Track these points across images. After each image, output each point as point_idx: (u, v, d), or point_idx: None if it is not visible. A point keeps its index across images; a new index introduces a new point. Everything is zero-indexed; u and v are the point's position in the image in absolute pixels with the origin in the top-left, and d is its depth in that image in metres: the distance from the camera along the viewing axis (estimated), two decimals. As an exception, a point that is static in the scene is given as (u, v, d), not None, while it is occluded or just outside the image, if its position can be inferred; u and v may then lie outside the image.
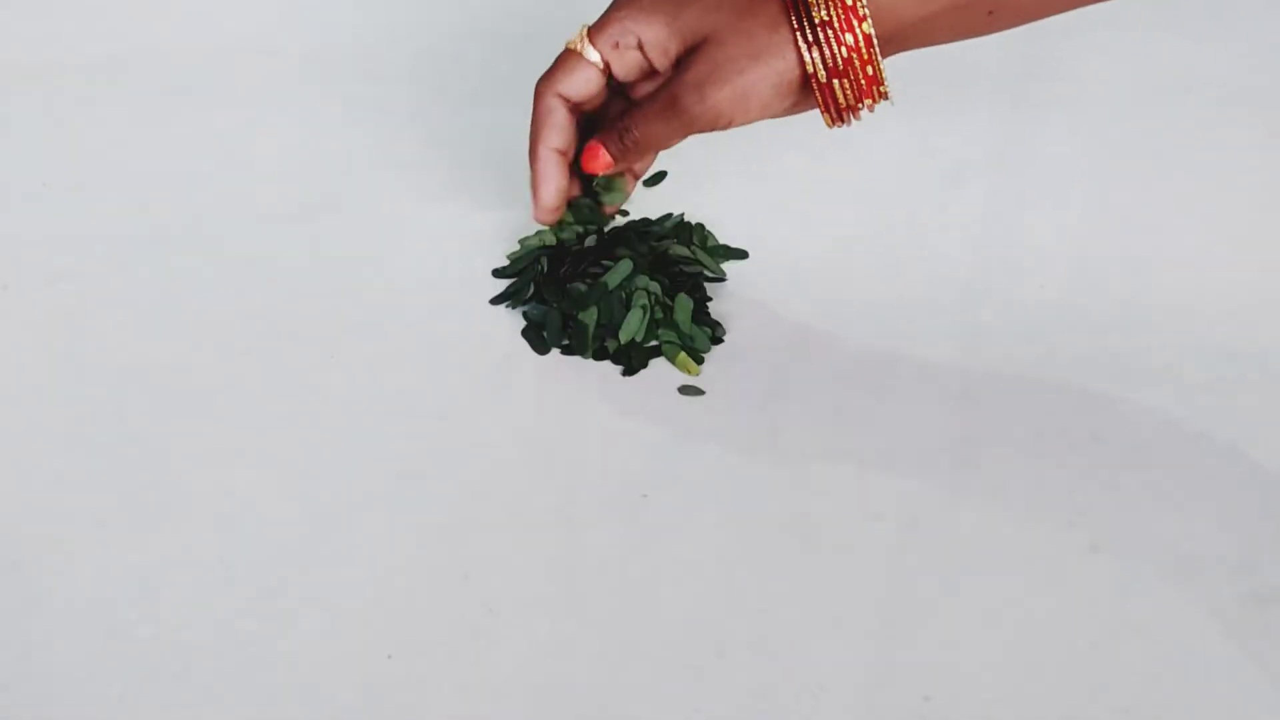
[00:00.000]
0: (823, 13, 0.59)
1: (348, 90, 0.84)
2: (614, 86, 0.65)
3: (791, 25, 0.60)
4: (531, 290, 0.67)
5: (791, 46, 0.60)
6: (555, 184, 0.65)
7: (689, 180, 0.74)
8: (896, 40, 0.61)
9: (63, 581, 0.54)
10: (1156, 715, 0.49)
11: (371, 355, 0.64)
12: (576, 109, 0.64)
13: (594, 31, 0.63)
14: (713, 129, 0.62)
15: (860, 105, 0.62)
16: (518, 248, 0.69)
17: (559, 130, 0.64)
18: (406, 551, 0.55)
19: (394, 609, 0.53)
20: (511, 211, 0.72)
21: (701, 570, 0.54)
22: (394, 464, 0.59)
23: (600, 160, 0.64)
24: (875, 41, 0.60)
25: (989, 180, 0.75)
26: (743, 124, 0.62)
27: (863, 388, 0.62)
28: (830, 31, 0.59)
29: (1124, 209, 0.73)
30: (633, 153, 0.64)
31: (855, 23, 0.59)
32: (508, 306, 0.67)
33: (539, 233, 0.69)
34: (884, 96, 0.61)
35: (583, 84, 0.63)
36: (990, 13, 0.60)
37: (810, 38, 0.60)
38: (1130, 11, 0.85)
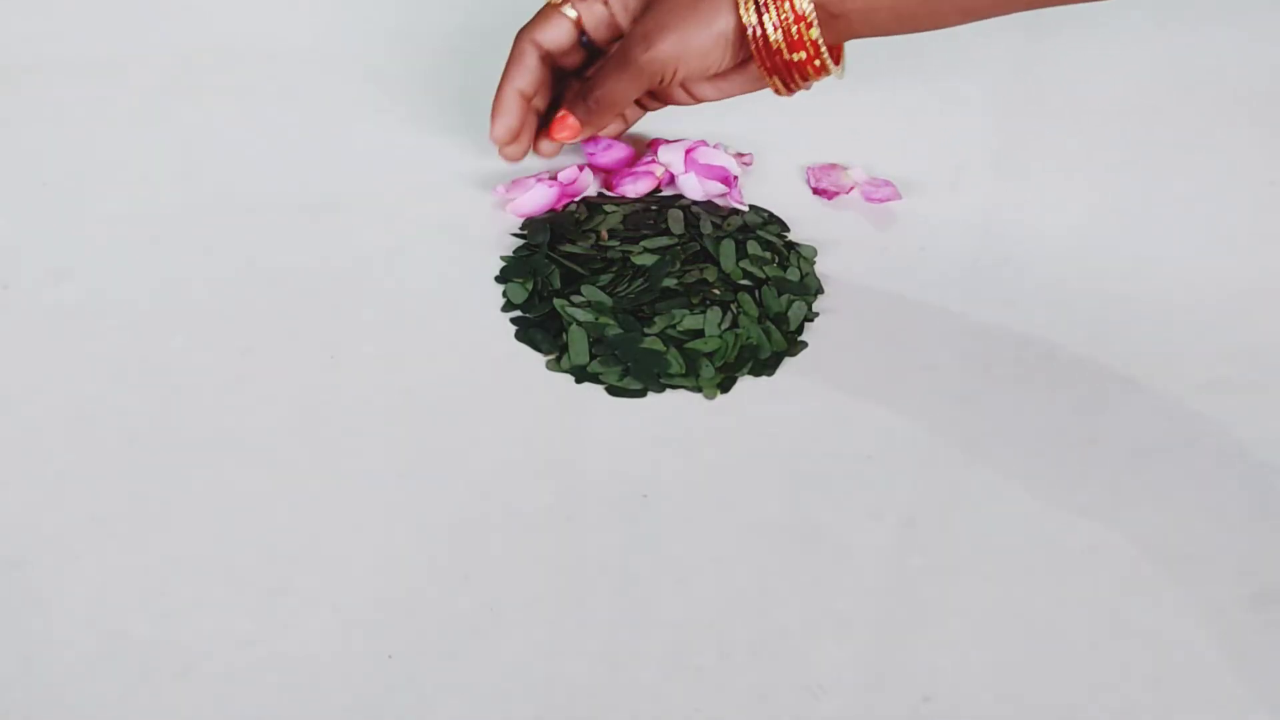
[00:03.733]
0: None
1: (348, 90, 0.84)
2: (588, 46, 0.71)
3: None
4: (538, 291, 0.67)
5: (731, 1, 0.65)
6: (507, 120, 0.70)
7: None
8: (842, 21, 0.65)
9: (63, 581, 0.54)
10: (1156, 715, 0.49)
11: (372, 355, 0.64)
12: (549, 58, 0.70)
13: None
14: (661, 79, 0.67)
15: (803, 69, 0.66)
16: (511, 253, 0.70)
17: (526, 72, 0.70)
18: (406, 551, 0.55)
19: (394, 609, 0.53)
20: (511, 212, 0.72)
21: (701, 570, 0.54)
22: (394, 464, 0.59)
23: (568, 126, 0.70)
24: (807, 2, 0.64)
25: (989, 180, 0.75)
26: (687, 77, 0.67)
27: (862, 387, 0.62)
28: None
29: (1124, 209, 0.73)
30: (597, 112, 0.69)
31: None
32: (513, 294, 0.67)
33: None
34: (823, 69, 0.66)
35: (555, 33, 0.70)
36: None
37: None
38: (1131, 11, 0.85)
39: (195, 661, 0.51)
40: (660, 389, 0.62)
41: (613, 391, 0.62)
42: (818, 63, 0.66)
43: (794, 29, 0.64)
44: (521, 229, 0.71)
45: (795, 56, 0.65)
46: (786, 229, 0.71)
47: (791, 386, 0.62)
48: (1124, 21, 0.87)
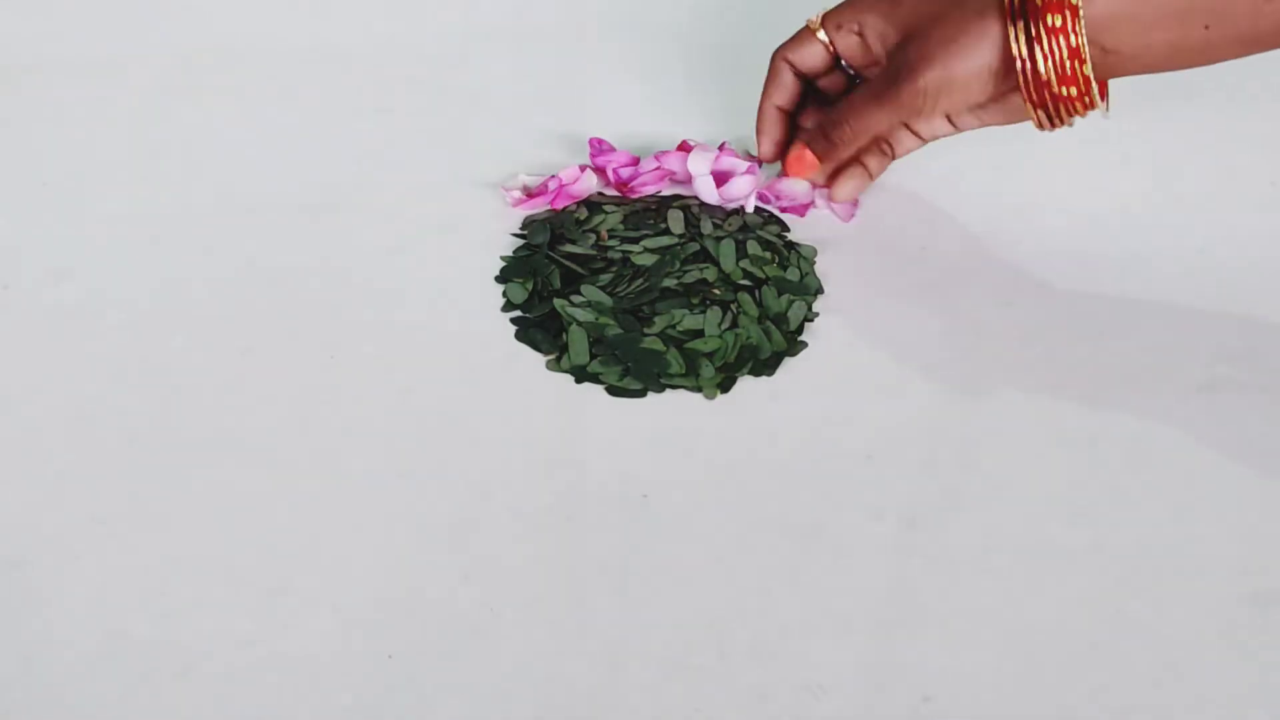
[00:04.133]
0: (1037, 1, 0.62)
1: (348, 90, 0.84)
2: (844, 71, 0.71)
3: (1001, 12, 0.63)
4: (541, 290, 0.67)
5: (999, 31, 0.63)
6: (771, 136, 0.72)
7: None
8: (1112, 56, 0.63)
9: (63, 581, 0.54)
10: (1157, 716, 0.49)
11: (371, 355, 0.64)
12: (802, 76, 0.71)
13: (827, 15, 0.69)
14: (920, 113, 0.66)
15: (1071, 104, 0.64)
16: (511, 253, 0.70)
17: (782, 89, 0.71)
18: (406, 551, 0.55)
19: (394, 609, 0.53)
20: (512, 212, 0.72)
21: (701, 571, 0.54)
22: (394, 464, 0.59)
23: (805, 162, 0.70)
24: (1083, 37, 0.62)
25: (989, 180, 0.75)
26: (949, 109, 0.67)
27: (862, 387, 0.62)
28: (1040, 24, 0.62)
29: (1124, 209, 0.72)
30: (841, 145, 0.69)
31: (1068, 19, 0.62)
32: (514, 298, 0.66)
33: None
34: (1091, 104, 0.64)
35: (809, 56, 0.70)
36: (1206, 27, 0.61)
37: (1020, 29, 0.63)
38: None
39: (195, 661, 0.51)
40: (660, 389, 0.62)
41: (613, 391, 0.62)
42: (1086, 99, 0.64)
43: (1067, 64, 0.62)
44: (521, 229, 0.71)
45: (1065, 91, 0.63)
46: (786, 229, 0.71)
47: (791, 386, 0.62)
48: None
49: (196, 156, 0.78)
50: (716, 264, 0.67)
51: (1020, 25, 0.62)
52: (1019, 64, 0.63)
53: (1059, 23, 0.62)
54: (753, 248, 0.68)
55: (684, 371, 0.62)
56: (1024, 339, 0.65)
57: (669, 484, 0.58)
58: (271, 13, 0.89)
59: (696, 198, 0.72)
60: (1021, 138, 0.73)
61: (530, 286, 0.67)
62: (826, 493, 0.57)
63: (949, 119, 0.69)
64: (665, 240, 0.68)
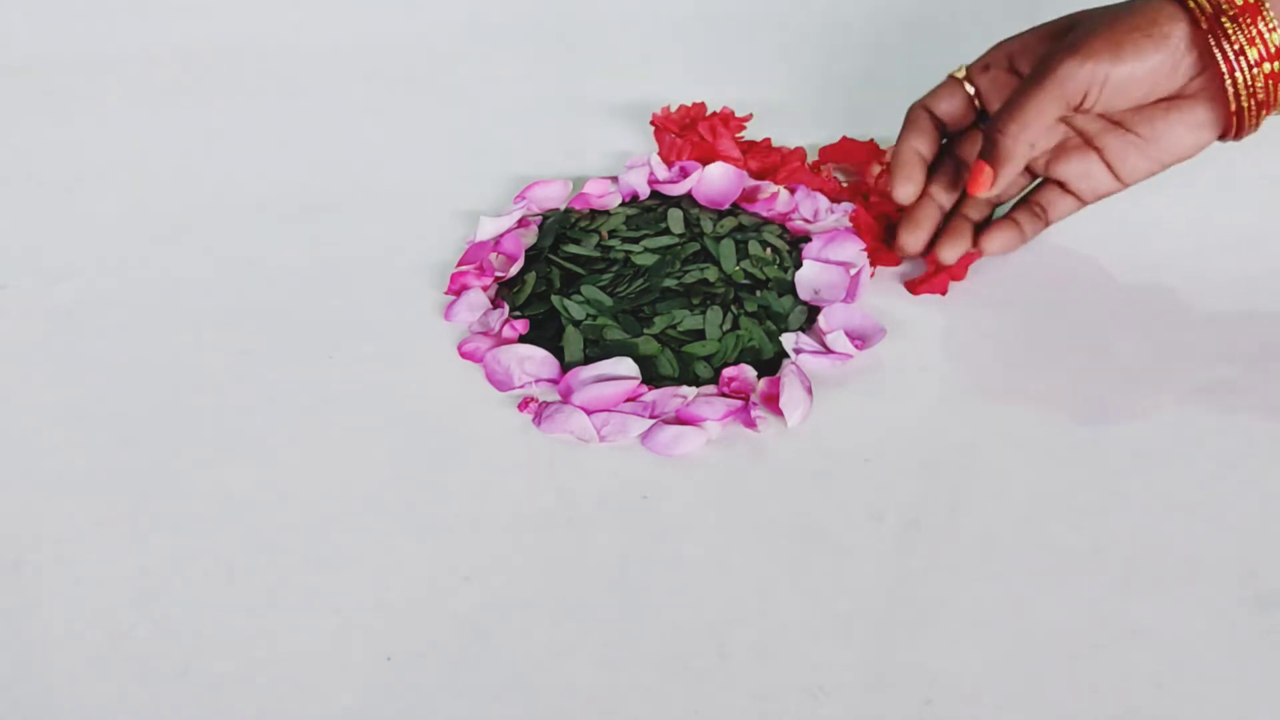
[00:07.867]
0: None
1: (348, 90, 0.84)
2: (983, 114, 0.69)
3: (1188, 15, 0.61)
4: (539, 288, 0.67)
5: (1184, 31, 0.61)
6: (913, 180, 0.68)
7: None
8: None
9: (63, 581, 0.54)
10: (1156, 716, 0.49)
11: (371, 355, 0.64)
12: (940, 123, 0.69)
13: (974, 63, 0.68)
14: (1086, 94, 0.62)
15: (1266, 107, 0.62)
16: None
17: (923, 135, 0.68)
18: (407, 552, 0.55)
19: (394, 609, 0.53)
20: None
21: (702, 571, 0.54)
22: (394, 464, 0.59)
23: (983, 177, 0.65)
24: (1276, 34, 0.60)
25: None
26: (1116, 89, 0.62)
27: (863, 388, 0.62)
28: (1240, 28, 0.60)
29: (1124, 209, 0.72)
30: (1009, 141, 0.63)
31: (1264, 23, 0.60)
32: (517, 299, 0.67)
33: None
34: (1277, 106, 0.63)
35: (951, 105, 0.68)
36: None
37: (1220, 34, 0.60)
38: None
39: (195, 661, 0.51)
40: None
41: None
42: (1275, 101, 0.62)
43: (1267, 66, 0.61)
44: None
45: (1265, 94, 0.62)
46: (787, 229, 0.71)
47: (792, 387, 0.62)
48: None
49: (196, 156, 0.78)
50: (717, 264, 0.67)
51: (1219, 29, 0.60)
52: (1224, 66, 0.61)
53: (1256, 27, 0.60)
54: (753, 248, 0.68)
55: (676, 374, 0.62)
56: (1024, 339, 0.65)
57: (669, 484, 0.58)
58: (271, 13, 0.89)
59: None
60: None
61: (530, 286, 0.66)
62: (826, 493, 0.57)
63: (1110, 168, 0.66)
64: (665, 240, 0.68)
